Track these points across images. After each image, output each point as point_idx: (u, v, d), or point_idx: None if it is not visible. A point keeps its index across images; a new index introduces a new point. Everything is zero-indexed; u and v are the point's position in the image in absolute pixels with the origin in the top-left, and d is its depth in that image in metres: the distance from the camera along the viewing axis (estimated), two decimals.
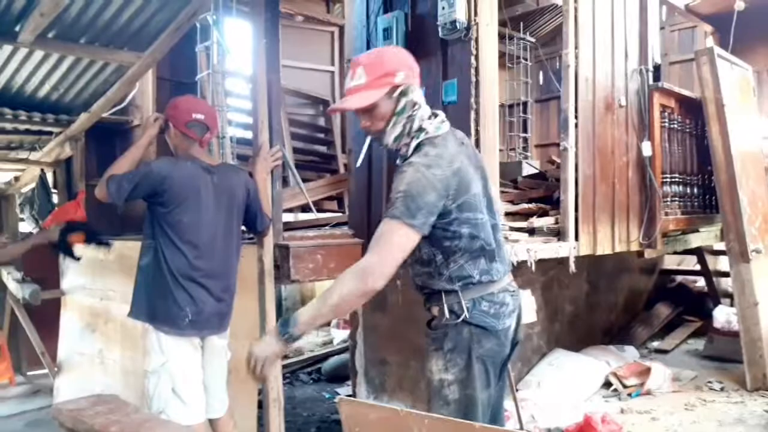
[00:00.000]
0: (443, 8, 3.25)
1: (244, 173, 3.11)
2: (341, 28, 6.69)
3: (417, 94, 1.97)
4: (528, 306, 2.31)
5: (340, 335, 7.08)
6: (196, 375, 2.80)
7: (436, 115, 2.03)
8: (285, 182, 5.47)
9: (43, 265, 4.99)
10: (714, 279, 6.70)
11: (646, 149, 4.57)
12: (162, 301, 2.75)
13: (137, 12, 4.00)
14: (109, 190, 2.68)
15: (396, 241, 1.78)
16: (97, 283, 4.79)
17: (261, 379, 1.95)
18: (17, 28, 3.83)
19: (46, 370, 5.10)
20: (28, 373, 5.75)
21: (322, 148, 6.86)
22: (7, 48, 4.10)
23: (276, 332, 1.83)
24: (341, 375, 5.69)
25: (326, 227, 4.33)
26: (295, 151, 6.32)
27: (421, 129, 1.96)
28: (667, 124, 4.86)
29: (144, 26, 4.17)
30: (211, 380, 2.91)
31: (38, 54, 4.27)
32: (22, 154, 5.56)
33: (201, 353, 2.84)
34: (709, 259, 6.78)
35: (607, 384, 4.66)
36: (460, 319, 1.95)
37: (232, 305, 3.02)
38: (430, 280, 2.02)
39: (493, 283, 2.01)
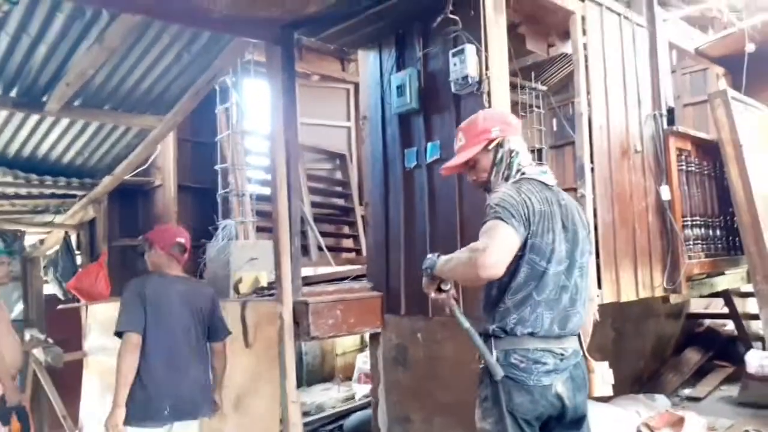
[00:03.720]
0: (455, 65, 3.32)
1: (210, 288, 3.49)
2: (356, 86, 6.85)
3: (515, 143, 2.19)
4: (603, 378, 2.25)
5: (361, 390, 6.96)
6: None
7: (540, 164, 2.17)
8: (303, 235, 5.52)
9: (65, 327, 5.04)
10: (743, 322, 6.51)
11: (665, 193, 4.54)
12: None
13: (159, 78, 4.16)
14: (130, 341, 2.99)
15: (500, 233, 1.92)
16: (119, 343, 4.80)
17: (437, 301, 2.19)
18: (44, 98, 3.99)
19: None
20: None
21: (340, 201, 6.92)
22: (34, 117, 4.26)
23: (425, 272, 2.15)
24: None
25: (345, 281, 4.33)
26: (314, 204, 6.38)
27: (519, 171, 2.14)
28: (684, 167, 4.84)
29: (165, 91, 4.31)
30: None
31: (64, 122, 4.43)
32: (48, 218, 5.69)
33: None
34: (737, 302, 6.61)
35: None
36: (501, 376, 1.99)
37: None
38: (484, 314, 2.11)
39: (531, 338, 2.01)
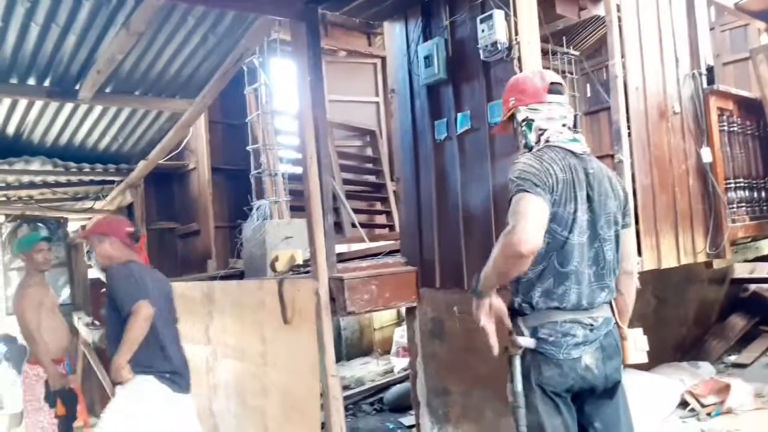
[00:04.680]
0: (483, 31, 3.24)
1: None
2: (383, 60, 6.79)
3: (528, 112, 2.13)
4: (638, 345, 2.21)
5: (400, 363, 7.03)
6: None
7: (574, 131, 2.11)
8: (336, 213, 5.55)
9: None
10: None
11: (706, 155, 4.39)
12: None
13: (186, 61, 4.18)
14: (145, 308, 2.88)
15: (527, 205, 1.87)
16: None
17: (488, 329, 2.05)
18: (77, 87, 4.06)
19: None
20: (102, 415, 5.92)
21: (371, 178, 6.91)
22: (69, 106, 4.34)
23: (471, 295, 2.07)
24: (404, 405, 5.62)
25: (379, 256, 4.33)
26: (345, 182, 6.39)
27: (544, 139, 2.09)
28: (726, 128, 4.66)
29: (193, 74, 4.34)
30: None
31: (97, 109, 4.50)
32: (88, 204, 5.83)
33: None
34: None
35: (684, 404, 4.41)
36: (532, 344, 1.99)
37: None
38: (510, 286, 2.08)
39: (558, 311, 1.99)
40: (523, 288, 2.02)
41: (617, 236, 2.10)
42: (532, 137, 2.11)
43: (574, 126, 2.13)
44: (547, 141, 2.09)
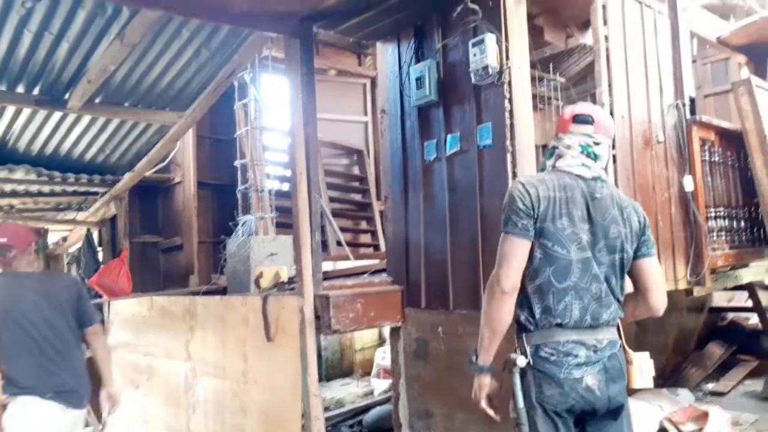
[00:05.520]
0: (474, 55, 3.29)
1: (71, 277, 3.47)
2: (373, 80, 6.85)
3: (555, 141, 2.23)
4: (643, 369, 2.22)
5: (380, 385, 6.96)
6: None
7: (587, 157, 2.16)
8: (322, 230, 5.53)
9: None
10: None
11: (688, 184, 4.47)
12: None
13: (179, 74, 4.18)
14: None
15: (504, 250, 2.04)
16: (140, 339, 4.85)
17: (487, 408, 2.12)
18: (66, 96, 4.03)
19: (91, 428, 5.12)
20: None
21: (357, 196, 6.92)
22: (57, 115, 4.31)
23: (472, 371, 2.13)
24: (384, 427, 5.55)
25: (365, 275, 4.32)
26: (331, 200, 6.40)
27: (554, 166, 2.20)
28: (707, 158, 4.76)
29: (185, 87, 4.34)
30: None
31: (86, 119, 4.47)
32: (70, 215, 5.76)
33: None
34: (762, 295, 6.49)
35: (662, 430, 4.43)
36: (525, 363, 2.02)
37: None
38: (517, 304, 2.11)
39: (561, 330, 2.01)
40: (526, 301, 2.06)
41: (622, 263, 2.12)
42: (550, 162, 2.22)
43: (595, 154, 2.16)
44: (554, 166, 2.18)
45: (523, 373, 2.03)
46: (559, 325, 2.01)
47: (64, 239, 6.41)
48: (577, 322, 2.02)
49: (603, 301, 2.07)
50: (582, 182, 2.12)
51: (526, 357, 2.02)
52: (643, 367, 2.21)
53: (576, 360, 2.00)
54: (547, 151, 2.27)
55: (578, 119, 2.19)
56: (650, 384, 2.23)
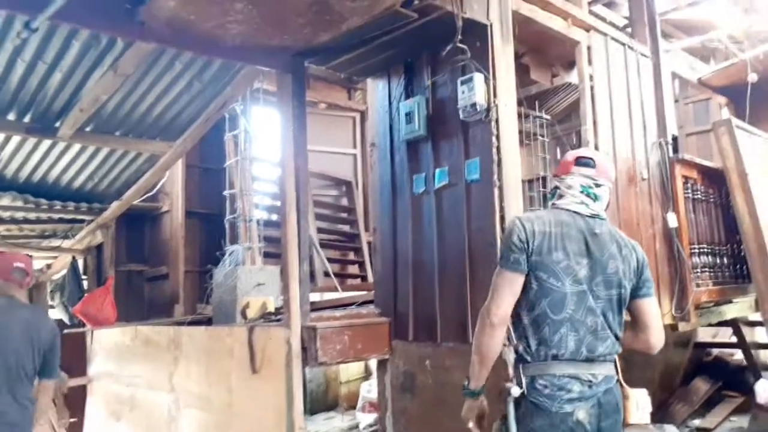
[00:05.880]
0: (463, 92, 3.37)
1: (53, 322, 3.40)
2: (362, 114, 6.93)
3: (556, 182, 2.32)
4: (640, 405, 2.24)
5: (365, 419, 6.87)
6: None
7: (588, 197, 2.22)
8: (310, 261, 5.52)
9: (71, 352, 5.01)
10: (752, 351, 6.44)
11: (672, 220, 4.55)
12: None
13: (170, 105, 4.22)
14: None
15: (496, 283, 2.11)
16: (123, 369, 4.77)
17: (476, 429, 2.18)
18: (57, 124, 4.05)
19: None
20: None
21: (346, 227, 6.94)
22: (47, 143, 4.32)
23: (463, 395, 2.17)
24: None
25: (352, 306, 4.31)
26: (319, 230, 6.40)
27: (554, 204, 2.29)
28: (690, 195, 4.85)
29: (176, 118, 4.38)
30: None
31: (75, 147, 4.49)
32: (55, 242, 5.71)
33: None
34: (746, 331, 6.54)
35: None
36: (519, 393, 2.05)
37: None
38: (513, 332, 2.16)
39: (557, 362, 2.03)
40: (522, 332, 2.10)
41: (620, 298, 2.15)
42: (551, 202, 2.31)
43: (595, 195, 2.22)
44: (554, 204, 2.26)
45: (517, 402, 2.05)
46: (555, 357, 2.04)
47: (48, 267, 6.34)
48: (573, 353, 2.04)
49: (599, 334, 2.09)
50: (580, 219, 2.18)
51: (521, 387, 2.04)
52: (640, 402, 2.23)
53: (569, 395, 2.02)
54: (550, 190, 2.36)
55: (580, 162, 2.27)
56: (647, 419, 2.25)
